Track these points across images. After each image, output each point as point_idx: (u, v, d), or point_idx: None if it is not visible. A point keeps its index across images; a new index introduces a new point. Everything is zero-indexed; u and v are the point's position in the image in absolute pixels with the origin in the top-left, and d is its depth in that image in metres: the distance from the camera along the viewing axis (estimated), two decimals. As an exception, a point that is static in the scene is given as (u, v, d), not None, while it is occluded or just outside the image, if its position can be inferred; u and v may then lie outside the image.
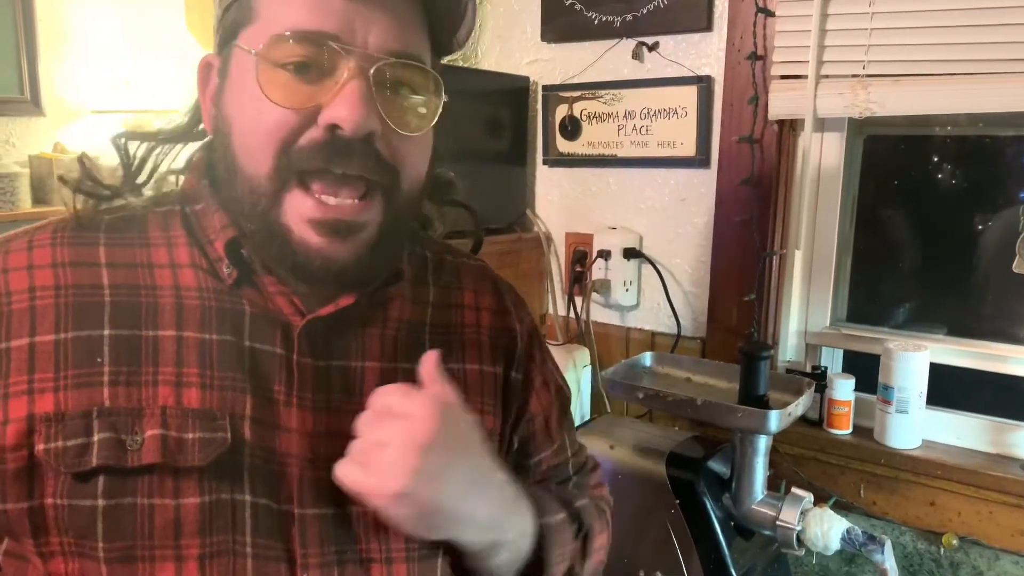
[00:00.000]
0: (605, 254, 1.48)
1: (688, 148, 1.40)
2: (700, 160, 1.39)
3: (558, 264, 1.60)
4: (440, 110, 0.60)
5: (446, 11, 0.61)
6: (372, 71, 0.55)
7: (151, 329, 0.56)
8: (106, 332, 0.56)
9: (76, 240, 0.59)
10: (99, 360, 0.55)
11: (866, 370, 1.32)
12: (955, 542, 1.19)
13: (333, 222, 0.56)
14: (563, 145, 1.55)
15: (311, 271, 0.57)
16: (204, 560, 0.54)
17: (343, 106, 0.54)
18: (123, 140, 0.64)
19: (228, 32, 0.59)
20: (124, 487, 0.53)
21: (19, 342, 0.54)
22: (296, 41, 0.55)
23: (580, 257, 1.53)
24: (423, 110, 0.59)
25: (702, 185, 1.40)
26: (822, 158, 1.34)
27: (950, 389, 1.31)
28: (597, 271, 1.50)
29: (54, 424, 0.53)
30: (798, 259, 1.38)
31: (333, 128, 0.54)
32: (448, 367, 0.61)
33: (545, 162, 1.59)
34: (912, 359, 1.23)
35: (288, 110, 0.55)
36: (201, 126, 0.64)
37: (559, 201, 1.58)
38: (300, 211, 0.56)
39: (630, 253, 1.47)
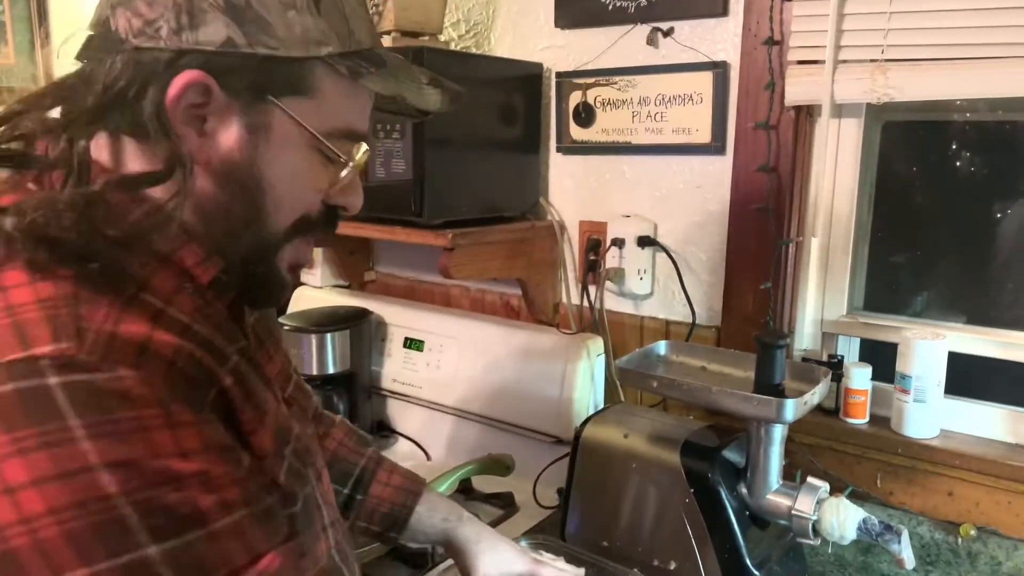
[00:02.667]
0: (619, 242, 1.47)
1: (703, 135, 1.39)
2: (716, 147, 1.38)
3: (572, 252, 1.59)
4: None
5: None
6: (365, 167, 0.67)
7: None
8: None
9: None
10: None
11: (883, 359, 1.31)
12: (973, 532, 1.18)
13: (301, 266, 0.68)
14: (577, 132, 1.54)
15: (274, 301, 0.69)
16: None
17: (354, 196, 0.67)
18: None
19: (263, 84, 0.59)
20: None
21: None
22: (349, 139, 0.64)
23: (594, 245, 1.52)
24: None
25: (718, 172, 1.39)
26: (839, 144, 1.33)
27: (969, 378, 1.29)
28: (611, 259, 1.49)
29: None
30: (815, 247, 1.36)
31: (340, 207, 0.66)
32: None
33: (559, 149, 1.58)
34: (930, 348, 1.21)
35: (319, 190, 0.64)
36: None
37: (573, 189, 1.58)
38: (290, 259, 0.65)
39: (644, 241, 1.46)
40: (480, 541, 0.94)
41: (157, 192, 0.56)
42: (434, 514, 0.96)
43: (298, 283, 0.71)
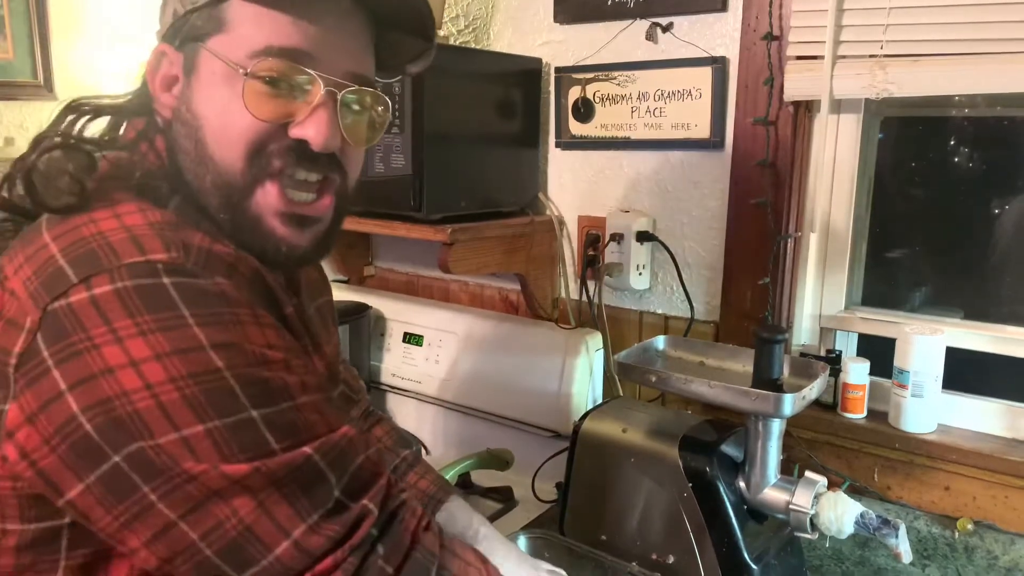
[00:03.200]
0: (618, 237, 1.47)
1: (702, 130, 1.39)
2: (714, 142, 1.38)
3: (570, 247, 1.59)
4: (388, 122, 0.74)
5: (407, 47, 0.76)
6: (340, 96, 0.67)
7: None
8: None
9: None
10: None
11: (880, 354, 1.31)
12: (970, 526, 1.19)
13: (297, 216, 0.69)
14: (576, 127, 1.54)
15: (278, 257, 0.69)
16: None
17: (313, 127, 0.66)
18: (76, 112, 0.70)
19: (191, 33, 0.68)
20: None
21: None
22: (275, 56, 0.65)
23: (593, 240, 1.52)
24: (376, 125, 0.73)
25: (716, 167, 1.39)
26: (838, 140, 1.33)
27: (966, 374, 1.29)
28: (610, 254, 1.49)
29: None
30: (813, 242, 1.36)
31: (302, 141, 0.67)
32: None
33: (558, 144, 1.58)
34: (929, 343, 1.22)
35: (262, 121, 0.66)
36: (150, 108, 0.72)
37: (572, 184, 1.58)
38: (269, 204, 0.68)
39: (643, 236, 1.47)
40: (494, 556, 0.91)
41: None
42: (451, 525, 0.94)
43: (305, 243, 0.72)
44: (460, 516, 0.97)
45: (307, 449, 0.59)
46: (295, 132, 0.67)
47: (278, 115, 0.66)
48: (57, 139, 0.67)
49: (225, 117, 0.66)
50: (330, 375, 0.86)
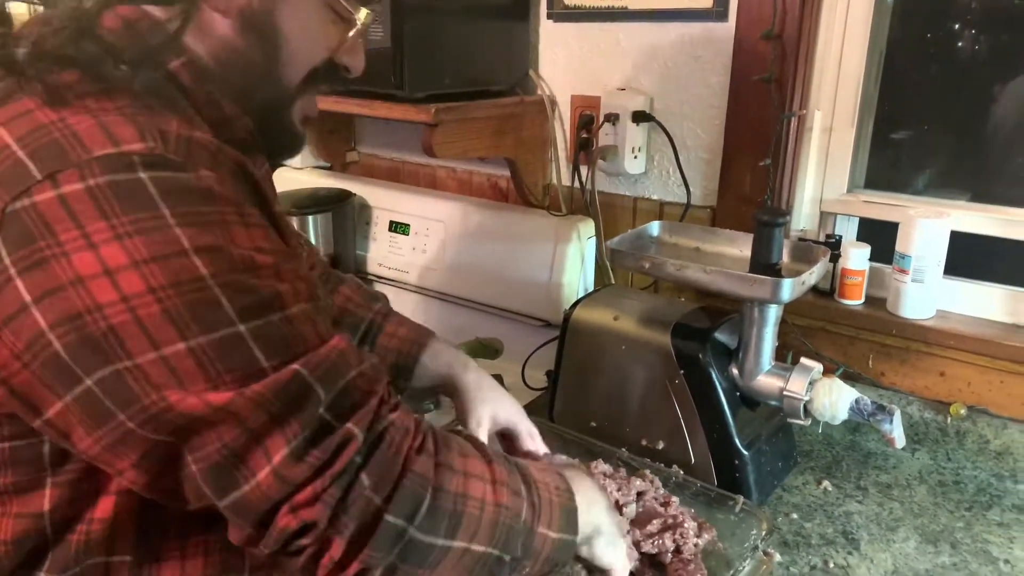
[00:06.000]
0: (613, 118, 1.40)
1: (704, -1, 1.29)
2: (717, 12, 1.28)
3: (563, 130, 1.52)
4: None
5: None
6: (367, 23, 0.69)
7: None
8: None
9: None
10: None
11: (880, 241, 1.27)
12: (963, 411, 1.18)
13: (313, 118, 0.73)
14: (569, -2, 1.43)
15: (290, 154, 0.74)
16: None
17: (357, 58, 0.71)
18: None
19: None
20: None
21: None
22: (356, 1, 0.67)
23: (586, 122, 1.45)
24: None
25: (718, 40, 1.30)
26: (850, 9, 1.23)
27: (967, 259, 1.26)
28: (604, 137, 1.42)
29: None
30: (818, 121, 1.29)
31: (343, 67, 0.70)
32: None
33: (550, 16, 1.47)
34: (933, 226, 1.17)
35: (328, 47, 0.68)
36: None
37: (564, 60, 1.48)
38: (303, 112, 0.71)
39: (639, 116, 1.39)
40: (481, 388, 0.93)
41: (158, 12, 0.60)
42: (438, 360, 0.95)
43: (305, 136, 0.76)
44: (445, 352, 0.97)
45: (296, 366, 0.54)
46: (344, 59, 0.70)
47: (338, 43, 0.69)
48: None
49: (307, 41, 0.66)
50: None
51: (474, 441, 0.68)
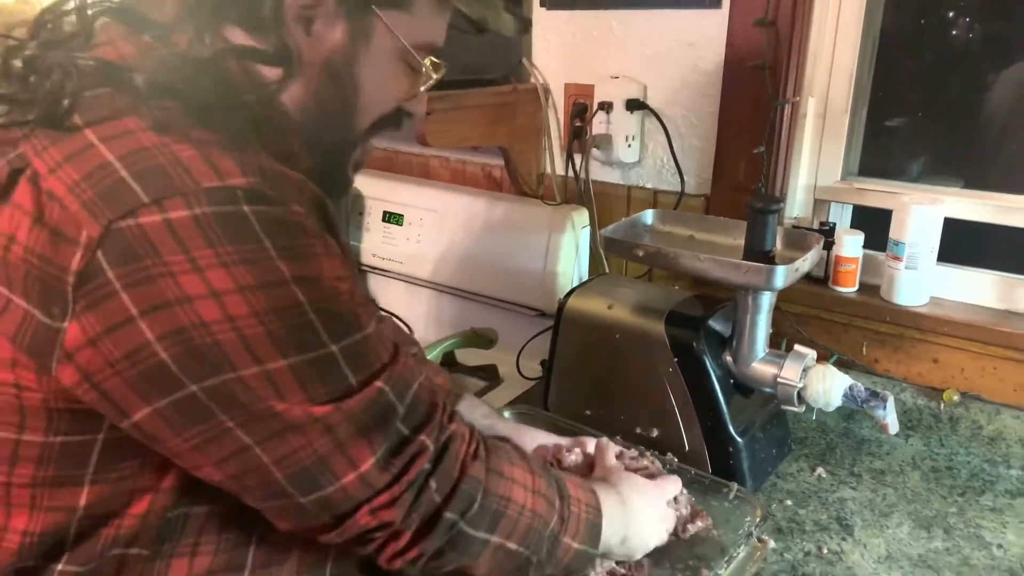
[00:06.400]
0: (607, 106, 1.39)
1: (698, -14, 1.28)
2: (710, -1, 1.28)
3: (556, 118, 1.51)
4: None
5: None
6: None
7: None
8: None
9: None
10: None
11: (873, 229, 1.27)
12: (956, 398, 1.18)
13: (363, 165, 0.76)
14: (562, -14, 1.42)
15: (335, 198, 0.71)
16: None
17: (421, 106, 0.75)
18: None
19: None
20: None
21: None
22: (432, 54, 0.70)
23: (580, 111, 1.44)
24: None
25: (712, 27, 1.29)
26: (844, -5, 1.23)
27: (961, 245, 1.26)
28: (598, 125, 1.41)
29: None
30: (811, 108, 1.29)
31: (407, 114, 0.74)
32: None
33: (543, 3, 1.46)
34: (927, 213, 1.17)
35: (399, 98, 0.72)
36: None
37: (558, 49, 1.47)
38: (360, 158, 0.74)
39: (633, 104, 1.38)
40: (519, 430, 0.99)
41: (265, 73, 0.63)
42: (474, 412, 0.99)
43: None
44: (479, 404, 1.03)
45: (379, 383, 0.60)
46: (409, 106, 0.73)
47: (409, 94, 0.72)
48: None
49: (382, 92, 0.70)
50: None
51: (520, 451, 0.75)
